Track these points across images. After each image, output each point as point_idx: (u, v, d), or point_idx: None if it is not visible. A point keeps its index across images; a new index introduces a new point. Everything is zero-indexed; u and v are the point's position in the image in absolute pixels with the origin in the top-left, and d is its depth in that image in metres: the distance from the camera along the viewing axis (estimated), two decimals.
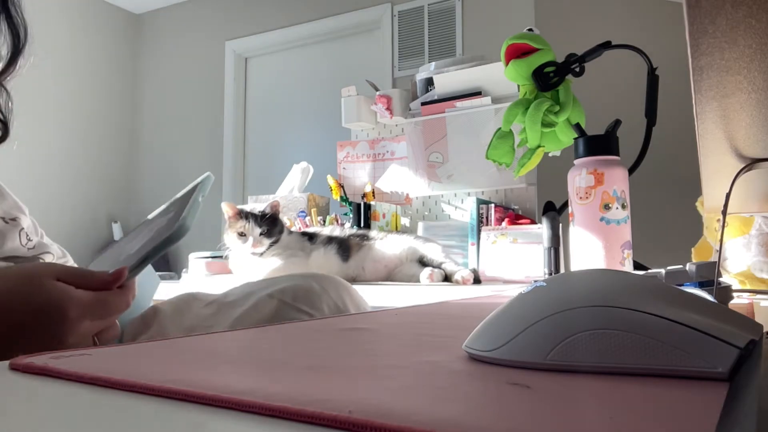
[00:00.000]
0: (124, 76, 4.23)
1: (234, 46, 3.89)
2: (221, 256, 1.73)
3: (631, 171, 0.80)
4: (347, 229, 1.68)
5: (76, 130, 3.87)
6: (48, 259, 0.72)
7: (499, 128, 1.01)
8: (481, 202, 1.73)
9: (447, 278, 1.49)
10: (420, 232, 1.82)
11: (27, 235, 0.70)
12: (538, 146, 0.98)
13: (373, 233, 1.64)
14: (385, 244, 1.58)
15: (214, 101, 3.92)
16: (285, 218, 1.96)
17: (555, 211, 0.96)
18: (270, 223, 1.54)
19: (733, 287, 0.81)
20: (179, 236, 0.54)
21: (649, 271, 0.76)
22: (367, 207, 1.84)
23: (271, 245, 1.53)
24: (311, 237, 1.62)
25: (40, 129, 3.63)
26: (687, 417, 0.19)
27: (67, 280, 0.50)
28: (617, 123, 0.74)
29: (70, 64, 3.84)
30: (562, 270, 0.98)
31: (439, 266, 1.50)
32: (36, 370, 0.27)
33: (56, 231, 3.66)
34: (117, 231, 3.99)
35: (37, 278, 0.49)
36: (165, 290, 1.68)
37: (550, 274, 0.96)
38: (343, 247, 1.58)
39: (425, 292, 1.35)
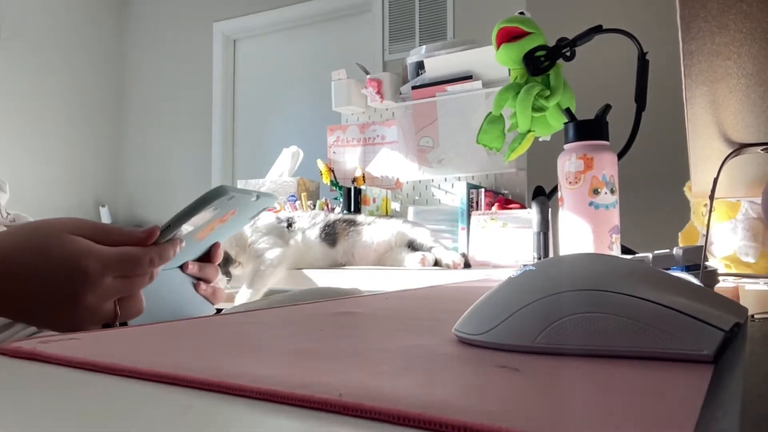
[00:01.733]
0: (111, 58, 4.16)
1: (222, 28, 3.84)
2: None
3: (620, 156, 0.81)
4: (332, 214, 1.66)
5: (62, 113, 3.82)
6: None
7: (490, 112, 1.01)
8: (471, 186, 1.73)
9: (437, 263, 1.49)
10: (410, 216, 1.82)
11: (6, 211, 0.69)
12: (529, 131, 0.98)
13: (360, 218, 1.63)
14: (374, 229, 1.58)
15: (202, 84, 3.88)
16: (275, 202, 1.95)
17: (544, 195, 0.96)
18: None
19: (719, 271, 0.82)
20: (214, 194, 0.51)
21: (637, 255, 0.77)
22: (358, 191, 1.83)
23: (229, 273, 1.44)
24: (289, 223, 1.57)
25: (25, 111, 3.58)
26: (673, 398, 0.19)
27: (87, 236, 0.46)
28: (607, 108, 0.74)
29: (55, 45, 3.77)
30: (551, 254, 0.99)
31: (428, 251, 1.50)
32: (24, 354, 0.27)
33: (43, 215, 3.63)
34: (105, 215, 3.95)
35: (55, 232, 0.46)
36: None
37: (539, 258, 0.96)
38: (330, 233, 1.56)
39: (415, 277, 1.36)
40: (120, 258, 0.46)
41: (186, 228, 0.53)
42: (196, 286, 0.62)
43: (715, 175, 0.60)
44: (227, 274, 1.44)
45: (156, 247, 0.49)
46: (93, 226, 0.48)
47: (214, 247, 0.63)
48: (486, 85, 1.84)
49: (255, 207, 0.60)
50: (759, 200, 0.92)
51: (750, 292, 0.64)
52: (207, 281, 0.63)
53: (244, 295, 1.41)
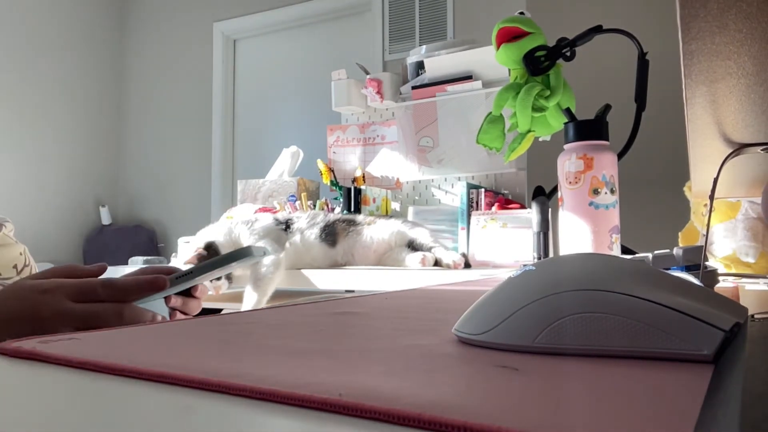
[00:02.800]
0: (111, 58, 4.16)
1: (222, 28, 3.84)
2: None
3: (620, 156, 0.81)
4: (332, 214, 1.66)
5: (62, 113, 3.82)
6: (8, 227, 0.73)
7: (490, 112, 1.01)
8: (471, 186, 1.73)
9: (437, 263, 1.49)
10: (410, 216, 1.82)
11: None
12: (529, 131, 0.98)
13: (360, 218, 1.63)
14: (374, 229, 1.58)
15: (202, 84, 3.88)
16: (275, 202, 1.95)
17: (544, 195, 0.96)
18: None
19: (719, 271, 0.82)
20: (238, 255, 0.56)
21: (637, 255, 0.77)
22: (358, 191, 1.83)
23: (231, 275, 1.44)
24: (287, 224, 1.57)
25: (25, 111, 3.58)
26: (672, 399, 0.19)
27: (57, 274, 0.54)
28: (607, 108, 0.74)
29: (55, 45, 3.77)
30: (551, 254, 0.99)
31: (429, 251, 1.50)
32: (24, 354, 0.27)
33: (43, 215, 3.63)
34: (105, 215, 3.95)
35: (28, 279, 0.53)
36: None
37: (539, 258, 0.96)
38: (330, 233, 1.56)
39: (416, 277, 1.36)
40: (83, 285, 0.53)
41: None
42: (171, 316, 0.64)
43: (715, 175, 0.60)
44: (228, 277, 1.45)
45: (105, 279, 0.55)
46: (64, 267, 0.56)
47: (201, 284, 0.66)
48: (486, 85, 1.84)
49: (257, 258, 0.64)
50: (759, 200, 0.92)
51: (750, 292, 0.64)
52: (186, 314, 0.65)
53: (250, 300, 1.41)
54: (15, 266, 0.72)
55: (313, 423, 0.17)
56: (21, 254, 0.74)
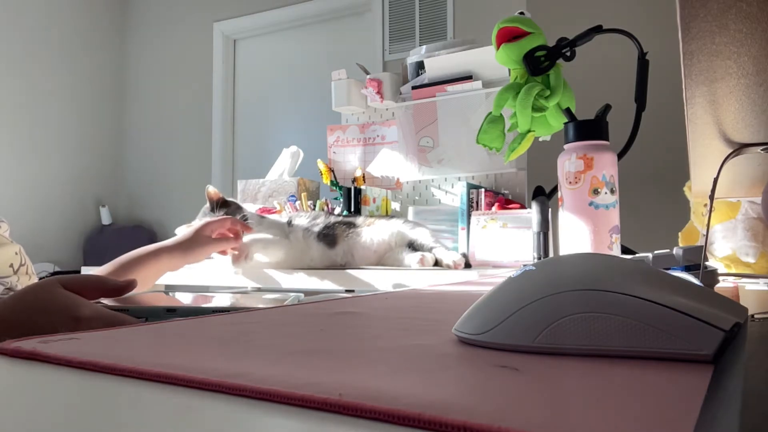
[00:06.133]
0: (111, 58, 4.16)
1: (222, 28, 3.84)
2: None
3: (620, 156, 0.81)
4: (333, 216, 1.66)
5: (63, 112, 3.82)
6: (3, 227, 0.73)
7: (490, 112, 1.01)
8: (471, 186, 1.73)
9: (437, 263, 1.49)
10: (410, 216, 1.82)
11: None
12: (529, 131, 0.98)
13: (359, 219, 1.62)
14: (374, 230, 1.57)
15: (202, 83, 3.88)
16: (275, 202, 1.95)
17: (544, 195, 0.96)
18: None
19: (719, 271, 0.82)
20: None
21: (637, 255, 0.77)
22: (358, 191, 1.83)
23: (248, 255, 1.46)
24: (289, 222, 1.60)
25: (25, 110, 3.58)
26: (672, 399, 0.19)
27: (70, 286, 0.54)
28: (607, 108, 0.74)
29: (55, 45, 3.77)
30: (551, 254, 0.99)
31: (429, 251, 1.50)
32: (24, 354, 0.27)
33: (43, 215, 3.63)
34: (105, 215, 3.95)
35: (47, 288, 0.53)
36: None
37: (539, 258, 0.96)
38: (329, 234, 1.56)
39: (416, 277, 1.36)
40: (114, 316, 0.53)
41: None
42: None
43: (715, 175, 0.60)
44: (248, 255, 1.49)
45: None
46: (73, 278, 0.56)
47: None
48: (486, 85, 1.84)
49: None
50: (759, 200, 0.92)
51: (750, 292, 0.64)
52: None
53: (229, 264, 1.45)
54: (11, 265, 0.73)
55: (313, 423, 0.17)
56: (17, 254, 0.74)
